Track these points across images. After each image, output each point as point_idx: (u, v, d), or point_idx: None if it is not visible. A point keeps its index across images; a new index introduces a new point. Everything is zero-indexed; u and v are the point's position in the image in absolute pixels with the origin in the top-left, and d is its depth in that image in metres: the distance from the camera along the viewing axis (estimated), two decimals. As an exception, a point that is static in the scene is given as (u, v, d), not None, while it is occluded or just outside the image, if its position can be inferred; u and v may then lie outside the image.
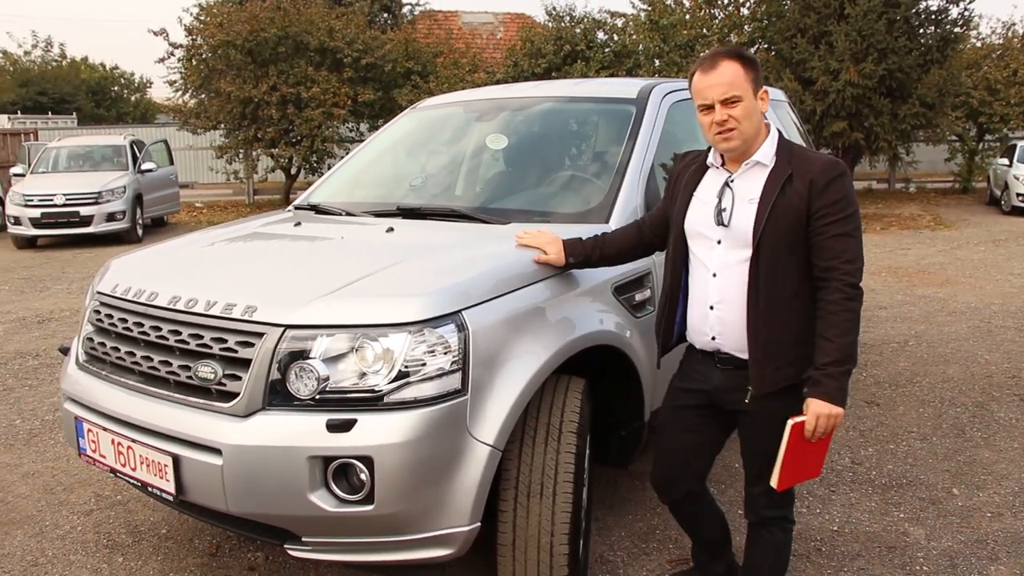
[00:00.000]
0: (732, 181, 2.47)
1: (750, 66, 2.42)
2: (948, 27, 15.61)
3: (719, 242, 2.48)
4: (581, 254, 2.86)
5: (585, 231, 3.06)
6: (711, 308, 2.51)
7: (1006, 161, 16.77)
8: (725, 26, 18.06)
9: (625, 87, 3.99)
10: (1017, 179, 15.92)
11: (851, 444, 4.57)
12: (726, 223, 2.45)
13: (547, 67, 17.74)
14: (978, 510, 3.78)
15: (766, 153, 2.43)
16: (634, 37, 18.96)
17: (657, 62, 18.32)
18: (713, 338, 2.54)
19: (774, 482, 2.43)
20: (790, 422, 2.36)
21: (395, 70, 18.36)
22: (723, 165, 2.52)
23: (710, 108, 2.41)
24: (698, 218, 2.53)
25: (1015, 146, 17.10)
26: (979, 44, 20.56)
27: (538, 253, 2.86)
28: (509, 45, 20.17)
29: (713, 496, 2.98)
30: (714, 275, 2.49)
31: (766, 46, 17.54)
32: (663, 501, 2.84)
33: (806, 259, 2.41)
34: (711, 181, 2.54)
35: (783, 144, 2.46)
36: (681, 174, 2.65)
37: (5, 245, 14.03)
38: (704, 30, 18.36)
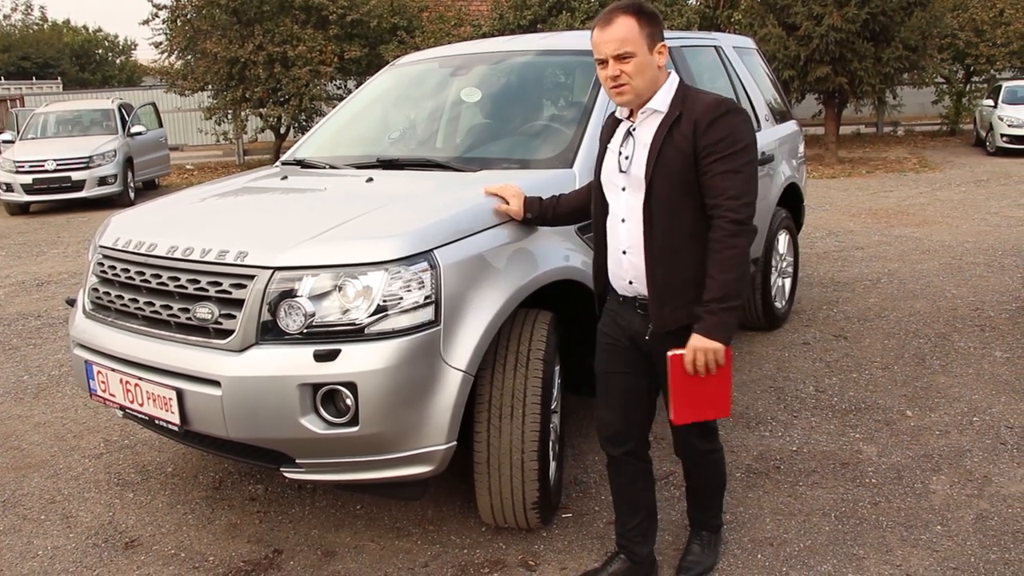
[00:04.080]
0: (634, 129, 2.58)
1: (646, 21, 2.46)
2: (931, -32, 15.63)
3: (624, 188, 2.58)
4: (538, 211, 3.04)
5: (551, 176, 3.31)
6: (624, 253, 2.61)
7: (991, 102, 16.88)
8: (709, -28, 18.04)
9: (589, 39, 4.15)
10: (1001, 120, 16.04)
11: (816, 374, 4.84)
12: (625, 170, 2.57)
13: (532, 19, 17.69)
14: (928, 429, 4.06)
15: (662, 100, 2.53)
16: (619, -14, 18.86)
17: (643, 11, 18.23)
18: (630, 282, 2.61)
19: (671, 415, 2.51)
20: (669, 354, 2.43)
21: (381, 26, 18.29)
22: (629, 116, 2.63)
23: (604, 63, 2.48)
24: (609, 167, 2.66)
25: (1000, 87, 17.22)
26: (965, -15, 20.48)
27: (501, 201, 3.06)
28: (495, -3, 20.06)
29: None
30: (623, 220, 2.61)
31: (751, -8, 17.51)
32: (610, 455, 2.83)
33: (702, 200, 2.46)
34: (620, 132, 2.65)
35: (680, 90, 2.55)
36: (605, 131, 2.77)
37: (-1, 212, 14.19)
38: (689, -23, 18.31)
